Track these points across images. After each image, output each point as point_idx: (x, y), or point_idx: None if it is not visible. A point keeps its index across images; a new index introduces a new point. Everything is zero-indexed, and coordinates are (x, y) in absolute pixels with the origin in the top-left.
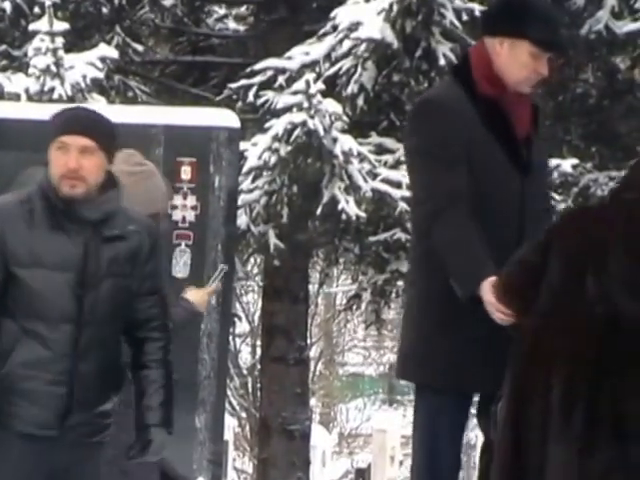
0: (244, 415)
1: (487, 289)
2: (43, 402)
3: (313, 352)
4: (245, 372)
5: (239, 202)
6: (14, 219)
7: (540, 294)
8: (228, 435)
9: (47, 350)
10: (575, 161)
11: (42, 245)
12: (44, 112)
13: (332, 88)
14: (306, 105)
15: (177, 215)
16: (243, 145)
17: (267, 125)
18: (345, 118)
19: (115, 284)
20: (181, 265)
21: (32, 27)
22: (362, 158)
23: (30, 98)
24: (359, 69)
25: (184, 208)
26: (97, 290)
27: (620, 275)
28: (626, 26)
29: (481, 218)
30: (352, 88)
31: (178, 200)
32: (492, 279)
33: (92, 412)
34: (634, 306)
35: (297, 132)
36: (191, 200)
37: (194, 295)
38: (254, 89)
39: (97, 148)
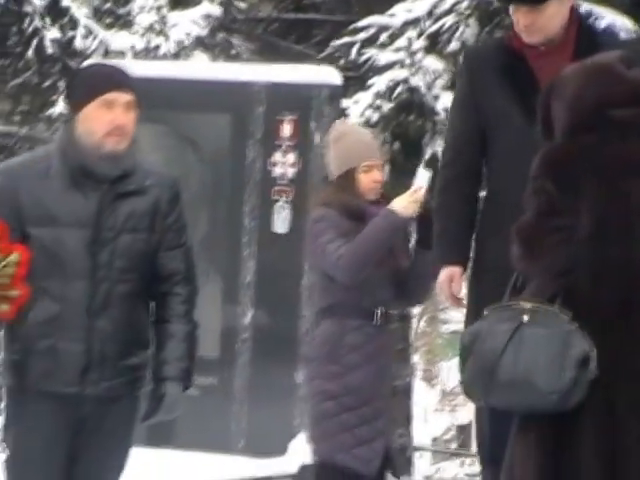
0: None
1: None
2: (62, 359)
3: (416, 309)
4: None
5: None
6: (29, 178)
7: None
8: None
9: (63, 308)
10: None
11: (57, 203)
12: (149, 69)
13: (434, 45)
14: (408, 62)
15: (277, 171)
16: (345, 102)
17: (369, 82)
18: (447, 75)
19: (132, 240)
20: (280, 221)
21: None
22: None
23: (135, 55)
24: (461, 26)
25: (284, 165)
26: (113, 246)
27: None
28: None
29: (494, 174)
30: (454, 45)
31: (278, 157)
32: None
33: (115, 367)
34: None
35: (399, 89)
36: (291, 157)
37: (398, 202)
38: (356, 46)
39: (136, 103)
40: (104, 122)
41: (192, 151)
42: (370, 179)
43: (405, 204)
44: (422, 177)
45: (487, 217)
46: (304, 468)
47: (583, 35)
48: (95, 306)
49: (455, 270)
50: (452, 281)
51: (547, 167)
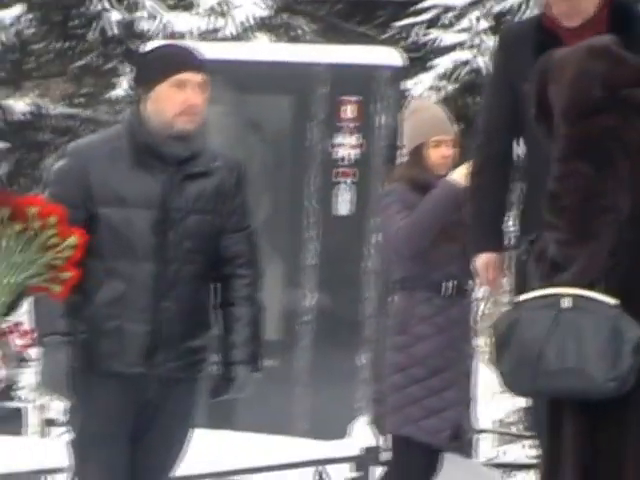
0: None
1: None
2: (128, 340)
3: (480, 293)
4: None
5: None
6: (98, 158)
7: None
8: None
9: (130, 288)
10: None
11: (125, 184)
12: (212, 51)
13: (498, 26)
14: (472, 43)
15: (339, 153)
16: (407, 84)
17: (432, 64)
18: None
19: (199, 221)
20: (342, 203)
21: None
22: None
23: (198, 37)
24: (525, 6)
25: (346, 146)
26: (180, 227)
27: None
28: None
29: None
30: None
31: (340, 138)
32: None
33: (179, 349)
34: None
35: (462, 70)
36: (354, 138)
37: (457, 172)
38: (419, 27)
39: (207, 83)
40: (176, 102)
41: (254, 133)
42: (439, 154)
43: (461, 174)
44: None
45: (527, 200)
46: (366, 451)
47: (616, 12)
48: (161, 287)
49: (491, 257)
50: (489, 268)
51: (577, 149)
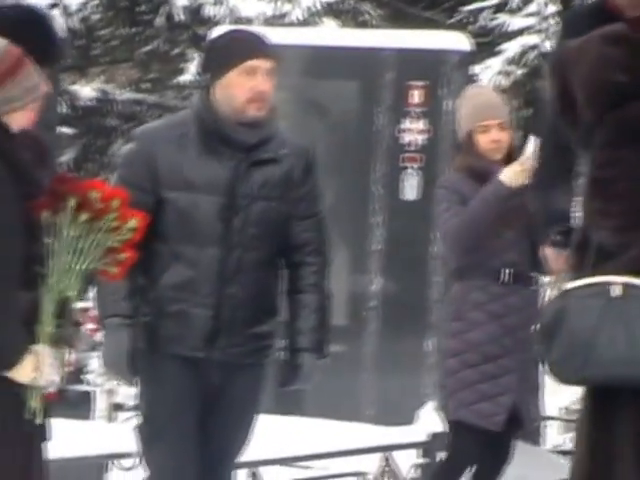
0: None
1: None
2: (191, 324)
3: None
4: None
5: None
6: (165, 143)
7: None
8: None
9: (195, 273)
10: None
11: (193, 168)
12: (278, 36)
13: (566, 9)
14: (540, 27)
15: (406, 138)
16: (475, 68)
17: (499, 48)
18: None
19: (265, 207)
20: (409, 188)
21: None
22: None
23: (264, 22)
24: None
25: (413, 132)
26: (246, 213)
27: None
28: None
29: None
30: None
31: (407, 124)
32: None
33: (243, 334)
34: None
35: (530, 55)
36: (421, 124)
37: (507, 172)
38: (487, 12)
39: (276, 69)
40: (245, 89)
41: (321, 118)
42: (488, 139)
43: (513, 173)
44: (533, 144)
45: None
46: (433, 437)
47: None
48: (226, 273)
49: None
50: (557, 259)
51: (620, 136)
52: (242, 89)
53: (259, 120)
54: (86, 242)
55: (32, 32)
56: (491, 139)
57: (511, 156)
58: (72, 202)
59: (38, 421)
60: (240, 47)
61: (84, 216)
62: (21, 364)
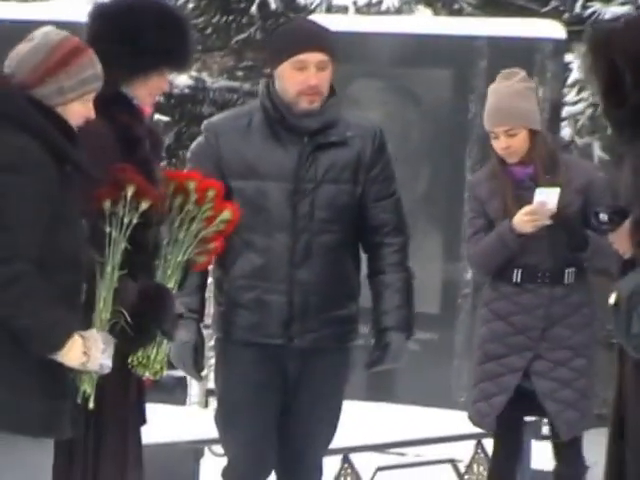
0: None
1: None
2: (266, 311)
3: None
4: None
5: (563, 114)
6: (230, 133)
7: None
8: None
9: (266, 260)
10: None
11: (258, 156)
12: (371, 24)
13: None
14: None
15: None
16: (568, 57)
17: None
18: None
19: (334, 191)
20: None
21: None
22: None
23: (357, 11)
24: None
25: None
26: (312, 198)
27: None
28: None
29: None
30: None
31: None
32: None
33: (318, 319)
34: None
35: None
36: None
37: (516, 218)
38: (581, 0)
39: (329, 61)
40: (296, 82)
41: (413, 106)
42: (497, 146)
43: (520, 221)
44: (543, 195)
45: None
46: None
47: None
48: (296, 258)
49: (624, 228)
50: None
51: None
52: (293, 82)
53: (312, 112)
54: (184, 232)
55: (171, 34)
56: (499, 146)
57: (553, 158)
58: (170, 188)
59: (91, 406)
60: (291, 40)
61: (179, 199)
62: (68, 347)
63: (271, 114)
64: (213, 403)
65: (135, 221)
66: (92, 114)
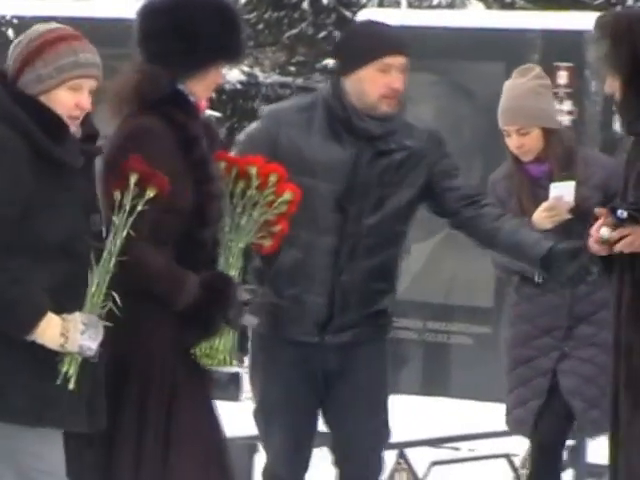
0: None
1: None
2: (304, 310)
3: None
4: None
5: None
6: (291, 125)
7: None
8: None
9: (308, 258)
10: None
11: (315, 154)
12: (424, 19)
13: None
14: None
15: None
16: None
17: None
18: None
19: (385, 195)
20: None
21: None
22: None
23: (410, 5)
24: None
25: (560, 112)
26: (362, 202)
27: None
28: None
29: None
30: None
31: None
32: None
33: (357, 315)
34: None
35: None
36: (567, 105)
37: (535, 214)
38: None
39: (408, 64)
40: (379, 85)
41: (466, 100)
42: (510, 144)
43: (539, 218)
44: (558, 189)
45: None
46: None
47: None
48: (340, 261)
49: None
50: None
51: None
52: (376, 85)
53: (390, 115)
54: (246, 218)
55: (227, 27)
56: (513, 145)
57: (569, 155)
58: (234, 172)
59: (71, 387)
60: (377, 43)
61: (241, 184)
62: (42, 328)
63: (337, 114)
64: None
65: (139, 208)
66: (85, 104)
